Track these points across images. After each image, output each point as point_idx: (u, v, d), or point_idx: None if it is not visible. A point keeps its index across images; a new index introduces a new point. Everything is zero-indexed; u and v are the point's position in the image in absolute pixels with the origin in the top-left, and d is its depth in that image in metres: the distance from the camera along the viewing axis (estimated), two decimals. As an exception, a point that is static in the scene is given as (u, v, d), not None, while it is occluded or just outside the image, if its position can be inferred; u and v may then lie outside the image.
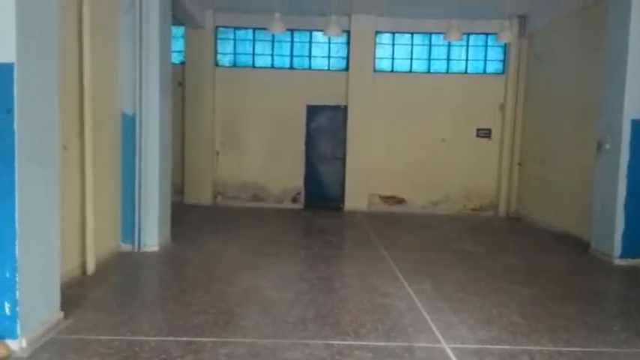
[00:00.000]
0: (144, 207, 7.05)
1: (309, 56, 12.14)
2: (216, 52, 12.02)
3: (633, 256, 7.24)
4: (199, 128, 11.85)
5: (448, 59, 12.12)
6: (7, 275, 3.70)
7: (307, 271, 6.45)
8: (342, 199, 12.14)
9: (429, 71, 12.15)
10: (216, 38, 11.97)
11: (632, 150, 7.20)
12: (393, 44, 12.14)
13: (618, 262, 7.23)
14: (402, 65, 12.17)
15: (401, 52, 12.16)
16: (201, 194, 11.95)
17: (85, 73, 5.67)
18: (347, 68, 11.96)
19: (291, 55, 12.12)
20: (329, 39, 11.84)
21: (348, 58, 11.96)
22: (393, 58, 12.16)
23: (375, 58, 11.99)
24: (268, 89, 12.01)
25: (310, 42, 12.10)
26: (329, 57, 12.15)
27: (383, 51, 12.13)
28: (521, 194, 11.78)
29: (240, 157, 12.22)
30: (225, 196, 12.20)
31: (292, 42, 12.08)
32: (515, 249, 8.54)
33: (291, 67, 12.14)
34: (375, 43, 11.93)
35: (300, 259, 7.16)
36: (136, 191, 6.98)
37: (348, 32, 11.68)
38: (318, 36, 11.91)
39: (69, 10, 5.42)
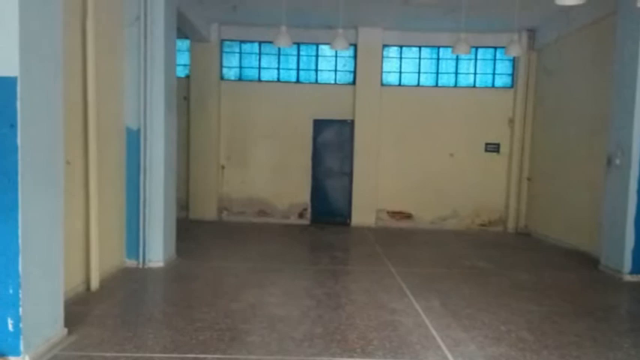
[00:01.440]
0: (149, 222, 7.02)
1: (316, 70, 12.13)
2: (221, 66, 12.03)
3: (644, 273, 7.17)
4: (204, 143, 11.81)
5: (456, 73, 12.08)
6: (11, 291, 3.66)
7: (314, 287, 6.39)
8: (349, 215, 12.06)
9: (437, 85, 12.10)
10: (221, 52, 11.99)
11: (643, 165, 7.15)
12: (401, 58, 12.11)
13: (628, 278, 7.15)
14: (409, 79, 12.14)
15: (408, 65, 12.13)
16: (206, 209, 11.90)
17: (89, 87, 5.67)
18: (354, 82, 11.94)
19: (298, 69, 12.12)
20: (336, 52, 11.81)
21: (355, 72, 11.94)
22: (400, 72, 12.13)
23: (382, 71, 11.95)
24: (274, 103, 12.00)
25: (317, 55, 12.10)
26: (336, 71, 12.14)
27: (390, 64, 12.11)
28: (530, 210, 11.67)
29: (245, 172, 12.16)
30: (230, 212, 12.15)
31: (298, 55, 12.08)
32: (524, 265, 8.39)
33: (298, 81, 12.14)
34: (382, 57, 11.90)
35: (306, 275, 7.09)
36: (140, 206, 6.96)
37: (355, 46, 11.68)
38: (325, 49, 11.92)
39: (73, 23, 5.42)
